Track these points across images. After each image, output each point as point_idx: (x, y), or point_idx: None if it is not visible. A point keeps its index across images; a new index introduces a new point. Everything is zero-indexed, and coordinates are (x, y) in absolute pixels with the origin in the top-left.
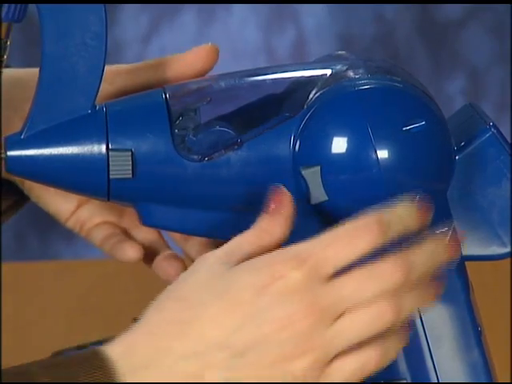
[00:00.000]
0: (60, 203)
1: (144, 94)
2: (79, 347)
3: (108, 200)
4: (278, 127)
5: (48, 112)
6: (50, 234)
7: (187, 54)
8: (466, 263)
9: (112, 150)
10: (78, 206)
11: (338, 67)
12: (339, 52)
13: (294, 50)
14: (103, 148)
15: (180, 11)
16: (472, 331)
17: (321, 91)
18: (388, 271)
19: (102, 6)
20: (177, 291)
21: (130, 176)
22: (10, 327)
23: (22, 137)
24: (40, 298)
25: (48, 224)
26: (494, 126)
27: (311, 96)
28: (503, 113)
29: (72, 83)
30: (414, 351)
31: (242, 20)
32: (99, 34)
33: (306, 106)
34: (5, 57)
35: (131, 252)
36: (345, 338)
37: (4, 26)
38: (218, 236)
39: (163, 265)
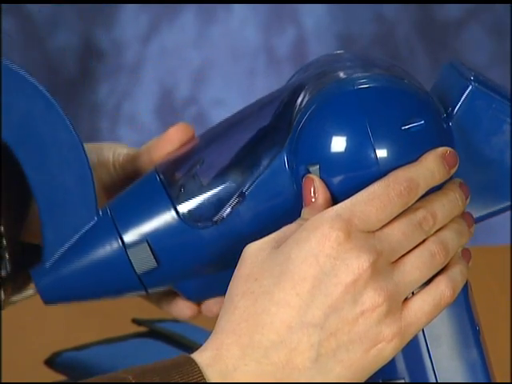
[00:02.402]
0: None
1: (140, 183)
2: (78, 348)
3: (147, 292)
4: (272, 164)
5: (59, 234)
6: None
7: (166, 135)
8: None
9: (129, 246)
10: None
11: (335, 67)
12: (338, 51)
13: (294, 49)
14: (121, 248)
15: (180, 11)
16: (470, 330)
17: (316, 92)
18: (422, 218)
19: (63, 116)
20: (239, 287)
21: (156, 264)
22: (10, 327)
23: (46, 265)
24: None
25: None
26: (476, 78)
27: (296, 109)
28: None
29: (69, 200)
30: (412, 351)
31: (242, 20)
32: (74, 144)
33: (294, 118)
34: None
35: (189, 311)
36: (407, 280)
37: None
38: None
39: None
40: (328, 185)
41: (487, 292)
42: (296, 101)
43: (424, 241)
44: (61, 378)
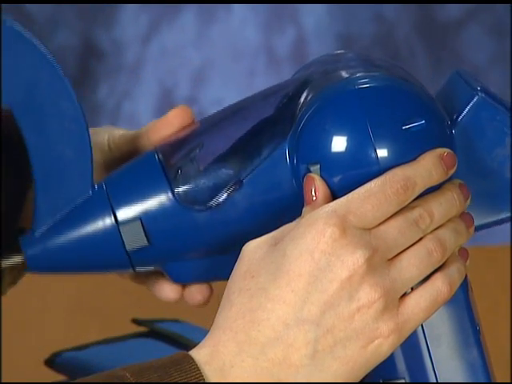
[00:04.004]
0: None
1: (138, 161)
2: (78, 348)
3: (134, 271)
4: (272, 155)
5: (52, 204)
6: None
7: (165, 118)
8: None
9: (121, 223)
10: None
11: (335, 67)
12: (338, 51)
13: (294, 49)
14: (113, 224)
15: (180, 11)
16: (470, 330)
17: (317, 91)
18: (419, 217)
19: (69, 87)
20: (236, 284)
21: (146, 243)
22: (9, 327)
23: (36, 235)
24: (40, 297)
25: None
26: (482, 89)
27: (300, 104)
28: None
29: (65, 171)
30: (412, 350)
31: (242, 20)
32: (76, 117)
33: (298, 113)
34: None
35: (172, 294)
36: (404, 277)
37: None
38: None
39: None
40: (329, 184)
41: (487, 292)
42: (301, 95)
43: (421, 239)
44: (61, 378)
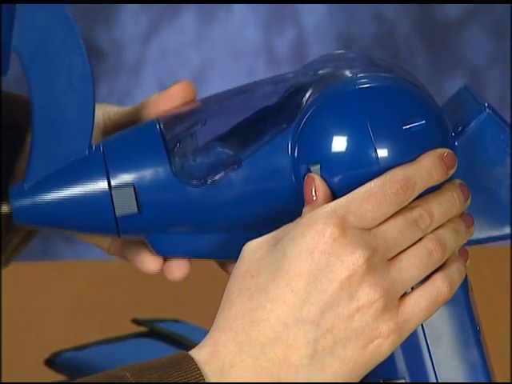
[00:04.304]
0: (100, 238)
1: (138, 128)
2: (78, 348)
3: (119, 236)
4: (275, 140)
5: (46, 159)
6: (51, 235)
7: (169, 91)
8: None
9: (114, 187)
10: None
11: (336, 66)
12: (339, 51)
13: (294, 49)
14: (105, 187)
15: (180, 11)
16: (471, 330)
17: (318, 91)
18: (419, 217)
19: (82, 45)
20: (236, 284)
21: (136, 210)
22: (9, 327)
23: (25, 187)
24: (40, 297)
25: None
26: (490, 106)
27: (306, 97)
28: (503, 112)
29: (65, 127)
30: (412, 350)
31: (242, 20)
32: (85, 75)
33: (303, 105)
34: None
35: (153, 265)
36: (404, 277)
37: None
38: (232, 256)
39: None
40: (329, 184)
41: (487, 292)
42: (308, 89)
43: (421, 239)
44: (61, 378)
